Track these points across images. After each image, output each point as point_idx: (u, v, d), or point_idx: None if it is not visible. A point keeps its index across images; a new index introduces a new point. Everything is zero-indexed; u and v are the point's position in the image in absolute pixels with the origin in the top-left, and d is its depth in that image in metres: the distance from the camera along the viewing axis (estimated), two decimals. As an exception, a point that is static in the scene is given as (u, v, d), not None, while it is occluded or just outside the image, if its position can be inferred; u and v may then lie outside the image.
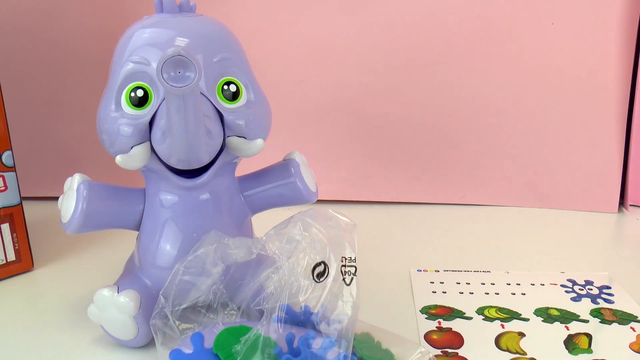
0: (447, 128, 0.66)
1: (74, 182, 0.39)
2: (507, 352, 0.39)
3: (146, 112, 0.35)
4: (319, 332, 0.33)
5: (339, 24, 0.64)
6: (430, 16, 0.63)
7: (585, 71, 0.63)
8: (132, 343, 0.39)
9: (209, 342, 0.32)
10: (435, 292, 0.48)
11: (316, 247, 0.31)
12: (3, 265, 0.50)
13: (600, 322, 0.44)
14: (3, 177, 0.49)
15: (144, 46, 0.36)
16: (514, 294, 0.48)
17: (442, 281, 0.50)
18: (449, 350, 0.39)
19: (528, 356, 0.39)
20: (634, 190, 0.67)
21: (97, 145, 0.38)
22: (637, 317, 0.44)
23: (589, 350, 0.40)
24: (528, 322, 0.43)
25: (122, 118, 0.35)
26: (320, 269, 0.31)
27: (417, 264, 0.53)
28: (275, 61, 0.65)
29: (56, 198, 0.41)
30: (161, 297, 0.34)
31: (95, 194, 0.38)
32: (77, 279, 0.50)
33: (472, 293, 0.48)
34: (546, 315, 0.44)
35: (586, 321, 0.44)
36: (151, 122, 0.35)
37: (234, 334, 0.32)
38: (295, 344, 0.31)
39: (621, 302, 0.47)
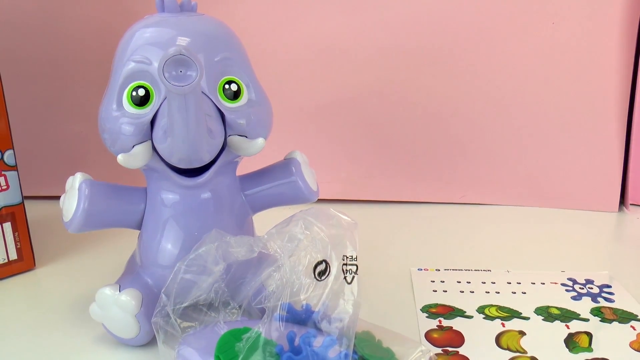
0: (448, 128, 0.66)
1: (75, 181, 0.39)
2: (507, 351, 0.40)
3: (147, 111, 0.35)
4: (320, 330, 0.33)
5: (340, 23, 0.64)
6: (431, 17, 0.63)
7: (586, 71, 0.63)
8: (134, 341, 0.39)
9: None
10: (436, 290, 0.48)
11: (317, 245, 0.31)
12: (5, 264, 0.50)
13: (600, 320, 0.44)
14: (5, 176, 0.49)
15: (145, 45, 0.36)
16: (515, 292, 0.48)
17: (442, 280, 0.50)
18: (450, 349, 0.40)
19: (528, 355, 0.39)
20: (635, 189, 0.67)
21: (99, 144, 0.38)
22: (637, 315, 0.44)
23: (589, 348, 0.40)
24: (528, 320, 0.43)
25: (124, 117, 0.36)
26: (321, 267, 0.31)
27: (417, 262, 0.53)
28: (276, 60, 0.65)
29: (58, 197, 0.41)
30: (163, 296, 0.34)
31: (96, 193, 0.38)
32: (79, 277, 0.50)
33: (473, 292, 0.48)
34: (547, 314, 0.44)
35: (586, 320, 0.44)
36: (153, 121, 0.35)
37: (236, 336, 0.32)
38: (296, 342, 0.31)
39: (621, 301, 0.47)
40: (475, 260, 0.54)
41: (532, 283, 0.49)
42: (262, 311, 0.33)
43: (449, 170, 0.68)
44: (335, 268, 0.31)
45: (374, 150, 0.68)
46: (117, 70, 0.37)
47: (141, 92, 0.35)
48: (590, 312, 0.45)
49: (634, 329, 0.42)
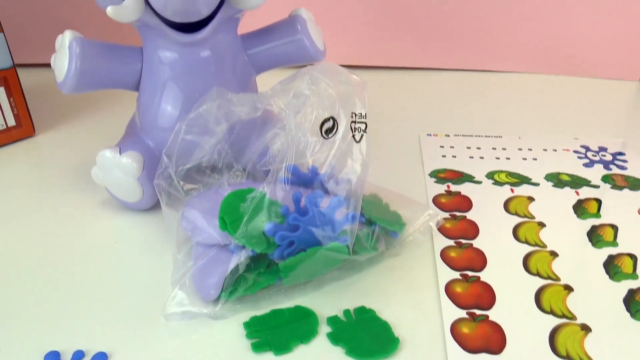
0: (464, -12, 0.62)
1: (65, 39, 0.36)
2: (515, 216, 0.39)
3: (137, -43, 0.32)
4: (326, 191, 0.32)
5: None
6: None
7: None
8: (138, 205, 0.39)
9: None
10: (445, 156, 0.47)
11: (325, 102, 0.30)
12: (4, 130, 0.49)
13: (611, 187, 0.43)
14: (-8, 37, 0.46)
15: None
16: (525, 159, 0.47)
17: (452, 145, 0.48)
18: (457, 214, 0.39)
19: (536, 220, 0.39)
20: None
21: (90, 4, 0.35)
22: (649, 182, 0.44)
23: (597, 214, 0.40)
24: (538, 187, 0.43)
25: (112, -36, 0.32)
26: (328, 124, 0.30)
27: (427, 128, 0.51)
28: None
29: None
30: (164, 157, 0.33)
31: (89, 51, 0.36)
32: (80, 142, 0.49)
33: (483, 158, 0.47)
34: (557, 180, 0.44)
35: (597, 187, 0.43)
36: (143, -31, 0.32)
37: (241, 196, 0.32)
38: (302, 204, 0.30)
39: (634, 168, 0.46)
40: (486, 126, 0.52)
41: (543, 150, 0.48)
42: (267, 174, 0.32)
43: (461, 36, 0.64)
44: (343, 126, 0.30)
45: (383, 14, 0.63)
46: None
47: None
48: (601, 179, 0.44)
49: (646, 195, 0.42)
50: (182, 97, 0.37)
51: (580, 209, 0.40)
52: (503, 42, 0.64)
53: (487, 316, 0.31)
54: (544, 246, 0.36)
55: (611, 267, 0.35)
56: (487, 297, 0.32)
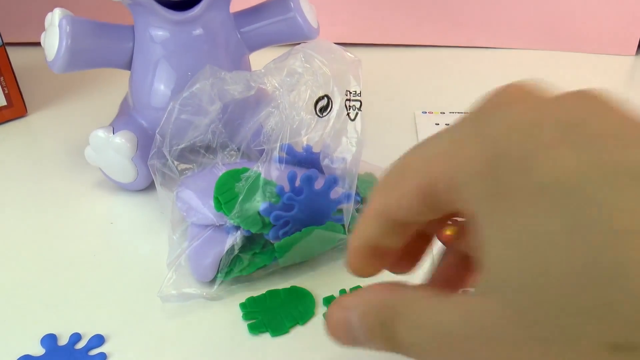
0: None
1: (54, 17, 0.36)
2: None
3: None
4: (321, 172, 0.32)
5: None
6: None
7: None
8: (133, 186, 0.39)
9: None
10: (440, 134, 0.47)
11: (319, 80, 0.29)
12: (-5, 110, 0.49)
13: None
14: (-20, 15, 0.45)
15: None
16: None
17: (447, 123, 0.48)
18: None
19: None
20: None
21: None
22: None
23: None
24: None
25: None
26: (323, 102, 0.29)
27: (422, 106, 0.51)
28: None
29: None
30: (157, 136, 0.32)
31: (79, 30, 0.36)
32: (73, 122, 0.49)
33: (478, 136, 0.46)
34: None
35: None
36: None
37: (235, 176, 0.31)
38: (297, 183, 0.30)
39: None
40: (481, 104, 0.52)
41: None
42: (262, 153, 0.32)
43: (456, 12, 0.63)
44: (337, 104, 0.30)
45: (379, -11, 0.63)
46: None
47: None
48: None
49: None
50: (175, 76, 0.36)
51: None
52: (498, 19, 0.63)
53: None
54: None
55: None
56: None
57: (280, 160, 0.31)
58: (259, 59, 0.40)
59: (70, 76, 0.54)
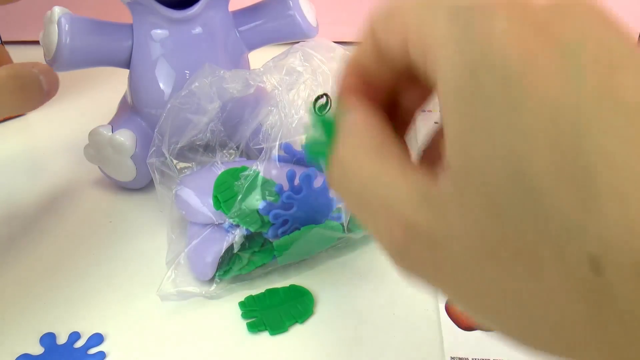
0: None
1: (53, 16, 0.36)
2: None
3: None
4: (320, 170, 0.32)
5: None
6: None
7: None
8: (132, 184, 0.39)
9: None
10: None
11: (318, 78, 0.29)
12: (-7, 109, 0.48)
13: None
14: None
15: None
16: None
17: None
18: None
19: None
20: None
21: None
22: None
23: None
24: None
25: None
26: (322, 101, 0.29)
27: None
28: None
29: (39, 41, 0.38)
30: (157, 135, 0.32)
31: (78, 28, 0.35)
32: (72, 121, 0.49)
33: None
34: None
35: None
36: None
37: (234, 175, 0.31)
38: (296, 182, 0.30)
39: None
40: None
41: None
42: (261, 152, 0.32)
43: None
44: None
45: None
46: None
47: None
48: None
49: None
50: (174, 74, 0.36)
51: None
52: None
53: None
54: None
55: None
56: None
57: (279, 159, 0.31)
58: (258, 58, 0.40)
59: (69, 74, 0.54)
